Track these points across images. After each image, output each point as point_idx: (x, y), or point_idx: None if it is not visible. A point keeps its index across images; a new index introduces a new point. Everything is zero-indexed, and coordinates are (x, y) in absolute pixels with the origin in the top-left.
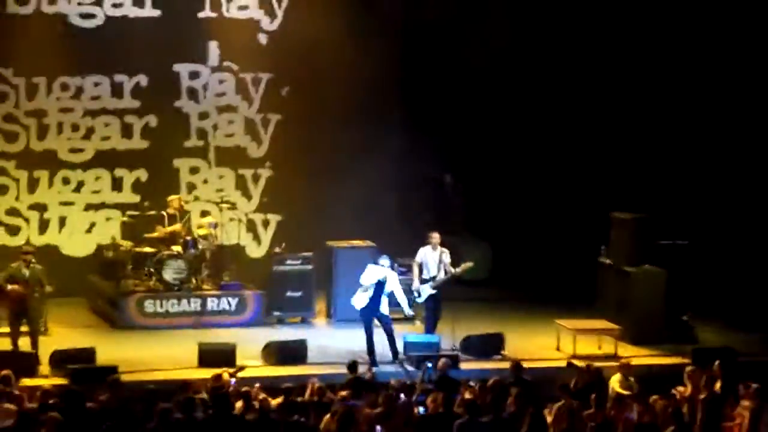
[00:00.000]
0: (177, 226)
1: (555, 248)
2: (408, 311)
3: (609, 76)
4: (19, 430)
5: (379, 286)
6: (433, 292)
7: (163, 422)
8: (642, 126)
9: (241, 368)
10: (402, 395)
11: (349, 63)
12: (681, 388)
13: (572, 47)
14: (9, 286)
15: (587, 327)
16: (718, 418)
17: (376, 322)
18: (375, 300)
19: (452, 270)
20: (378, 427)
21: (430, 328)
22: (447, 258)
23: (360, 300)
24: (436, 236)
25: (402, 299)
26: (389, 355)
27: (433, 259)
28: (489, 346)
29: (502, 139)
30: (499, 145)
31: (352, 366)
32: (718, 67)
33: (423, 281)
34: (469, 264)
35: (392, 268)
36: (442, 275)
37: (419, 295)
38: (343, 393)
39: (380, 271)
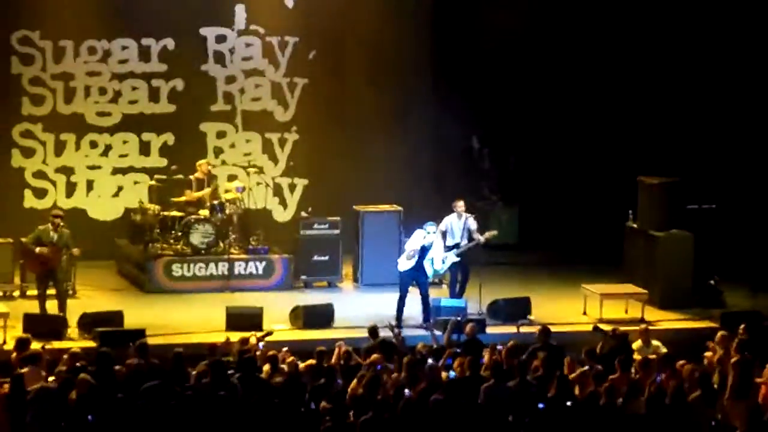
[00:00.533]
0: (205, 191)
1: (583, 212)
2: (430, 276)
3: (637, 40)
4: (50, 393)
5: (423, 251)
6: (457, 259)
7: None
8: (669, 90)
9: (269, 333)
10: (429, 360)
11: (377, 27)
12: (709, 354)
13: (603, 11)
14: (37, 249)
15: (614, 291)
16: (750, 380)
17: (411, 288)
18: (418, 265)
19: (478, 237)
20: (406, 391)
21: (455, 294)
22: (473, 224)
23: (404, 264)
24: (461, 204)
25: (437, 266)
26: (417, 319)
27: (458, 226)
28: (516, 310)
29: (532, 103)
30: (529, 109)
31: (373, 331)
32: (744, 32)
33: (447, 248)
34: (494, 232)
35: (436, 233)
36: (466, 242)
37: (443, 262)
38: (376, 356)
39: (425, 237)
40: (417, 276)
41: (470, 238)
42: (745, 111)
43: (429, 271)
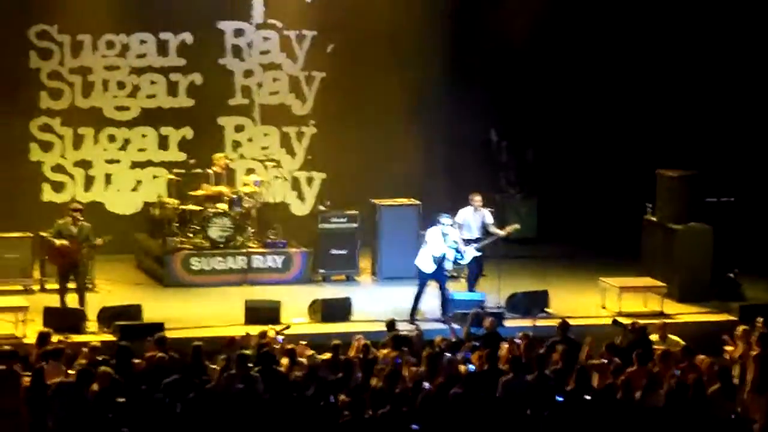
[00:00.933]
0: (222, 186)
1: (601, 205)
2: (450, 266)
3: (657, 33)
4: (70, 387)
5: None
6: (478, 254)
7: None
8: (689, 83)
9: (287, 327)
10: (447, 353)
11: (395, 20)
12: (730, 348)
13: (622, 3)
14: (58, 241)
15: (633, 285)
16: None
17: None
18: (440, 264)
19: (497, 231)
20: (425, 384)
21: (473, 288)
22: (489, 219)
23: (428, 264)
24: (478, 198)
25: (449, 257)
26: (436, 312)
27: (474, 220)
28: (534, 303)
29: (550, 96)
30: (547, 102)
31: (391, 324)
32: (763, 25)
33: (466, 242)
34: (516, 226)
35: (453, 226)
36: (482, 236)
37: (462, 257)
38: (386, 351)
39: (443, 233)
40: (436, 273)
41: (486, 232)
42: (764, 104)
43: (451, 256)
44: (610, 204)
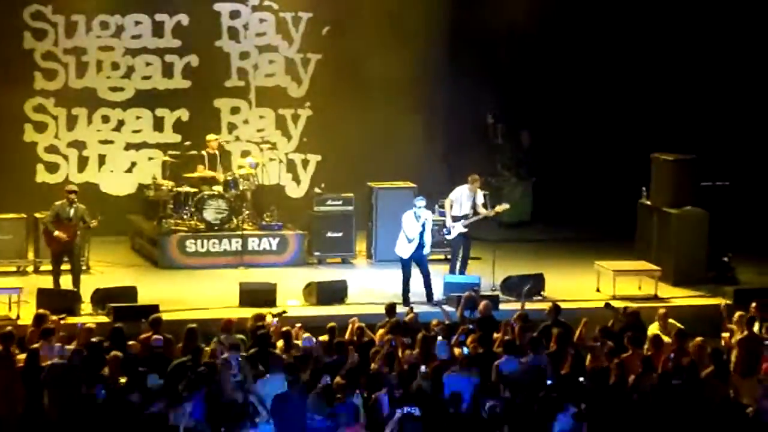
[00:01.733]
0: (218, 171)
1: (596, 189)
2: (428, 251)
3: (653, 16)
4: (62, 368)
5: (421, 231)
6: (464, 230)
7: None
8: (684, 67)
9: (283, 312)
10: (440, 337)
11: (391, 3)
12: (726, 335)
13: None
14: (56, 233)
15: (627, 268)
16: (758, 357)
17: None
18: (418, 245)
19: (483, 211)
20: (422, 367)
21: (454, 268)
22: (480, 199)
23: (405, 249)
24: (477, 179)
25: (428, 240)
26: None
27: (468, 198)
28: (530, 286)
29: (546, 79)
30: (543, 86)
31: (391, 309)
32: (761, 10)
33: (455, 219)
34: (506, 206)
35: (427, 207)
36: (472, 215)
37: (449, 232)
38: (382, 331)
39: (417, 215)
40: (416, 255)
41: (476, 212)
42: (760, 89)
43: (426, 250)
44: (605, 188)
